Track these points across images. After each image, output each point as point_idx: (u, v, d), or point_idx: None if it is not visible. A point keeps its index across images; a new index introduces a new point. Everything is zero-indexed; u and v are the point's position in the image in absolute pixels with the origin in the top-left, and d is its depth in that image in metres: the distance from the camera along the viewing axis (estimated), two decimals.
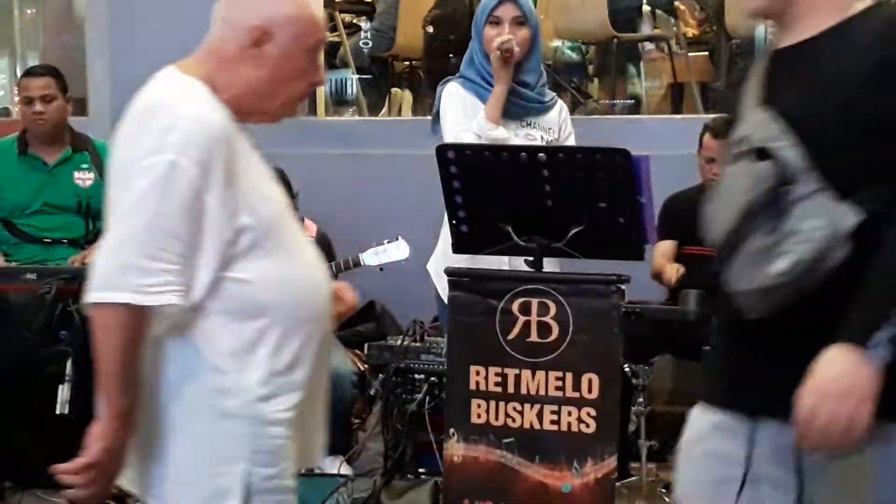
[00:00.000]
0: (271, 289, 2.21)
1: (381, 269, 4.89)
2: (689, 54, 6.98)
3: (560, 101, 4.19)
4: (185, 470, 2.25)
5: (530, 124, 4.02)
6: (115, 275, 2.14)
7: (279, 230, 2.26)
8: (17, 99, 5.56)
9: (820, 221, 1.86)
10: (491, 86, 3.94)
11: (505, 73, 3.92)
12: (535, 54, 4.04)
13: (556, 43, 7.23)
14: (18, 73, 8.66)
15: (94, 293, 2.17)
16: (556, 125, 4.03)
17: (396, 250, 4.84)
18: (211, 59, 2.32)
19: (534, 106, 4.05)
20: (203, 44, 2.37)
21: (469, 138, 3.82)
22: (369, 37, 7.25)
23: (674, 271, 4.89)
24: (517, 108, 3.99)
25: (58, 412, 4.32)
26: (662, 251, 5.09)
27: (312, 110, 5.90)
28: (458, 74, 4.13)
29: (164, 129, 2.17)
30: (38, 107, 4.78)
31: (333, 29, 6.80)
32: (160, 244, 2.12)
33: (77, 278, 4.41)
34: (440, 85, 4.12)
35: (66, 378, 4.35)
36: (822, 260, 1.88)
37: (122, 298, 2.13)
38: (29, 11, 9.09)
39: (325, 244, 5.15)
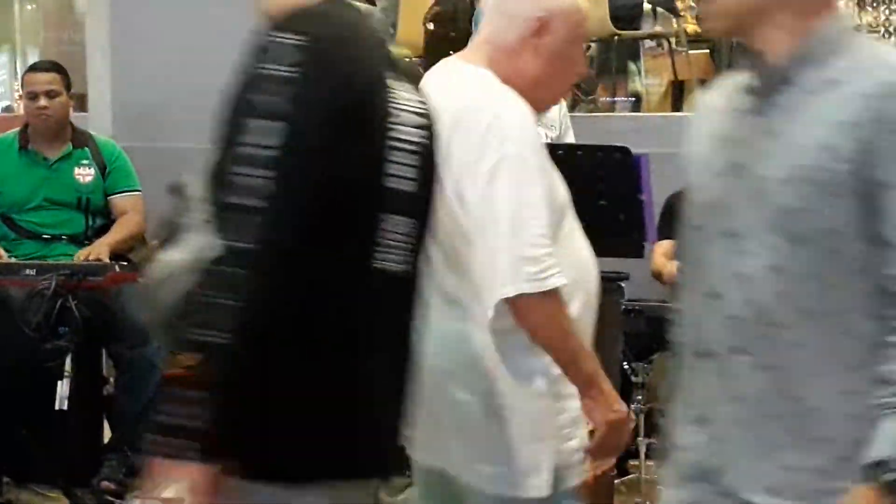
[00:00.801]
0: (571, 266, 2.30)
1: None
2: (690, 52, 6.98)
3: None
4: (502, 448, 2.29)
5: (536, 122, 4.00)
6: (528, 266, 2.20)
7: (566, 212, 2.39)
8: (17, 95, 5.55)
9: (185, 251, 1.77)
10: None
11: None
12: None
13: None
14: (18, 69, 8.67)
15: (526, 287, 2.19)
16: (558, 122, 4.02)
17: None
18: (489, 49, 2.38)
19: None
20: (478, 36, 2.44)
21: None
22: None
23: (674, 270, 4.88)
24: None
25: (56, 408, 4.32)
26: (663, 250, 5.09)
27: None
28: None
29: (503, 126, 2.25)
30: (43, 102, 4.77)
31: None
32: (540, 231, 2.22)
33: (76, 274, 4.41)
34: None
35: (66, 374, 4.35)
36: (164, 286, 1.78)
37: (552, 284, 2.20)
38: (29, 7, 9.10)
39: None
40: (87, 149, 4.89)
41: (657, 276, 5.02)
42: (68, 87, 4.88)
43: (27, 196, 4.76)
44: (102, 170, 4.88)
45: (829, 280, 1.73)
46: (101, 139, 5.03)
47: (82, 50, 6.31)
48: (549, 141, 3.92)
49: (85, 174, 4.86)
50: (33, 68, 4.91)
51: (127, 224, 4.85)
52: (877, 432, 1.68)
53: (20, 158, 4.82)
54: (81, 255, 4.61)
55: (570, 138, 4.07)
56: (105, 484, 4.60)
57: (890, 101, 1.71)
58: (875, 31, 6.17)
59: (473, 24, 4.11)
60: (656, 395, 5.14)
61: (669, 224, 5.04)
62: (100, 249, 4.64)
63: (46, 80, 4.81)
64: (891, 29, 6.20)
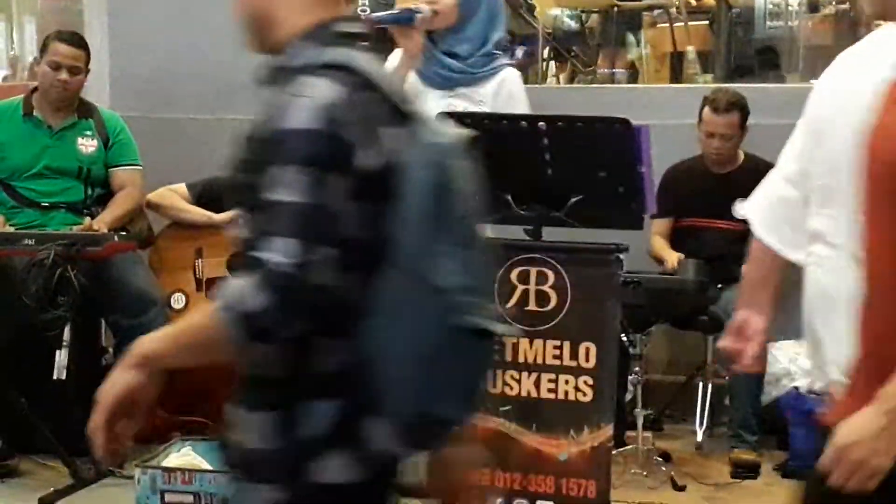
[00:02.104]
0: None
1: None
2: (690, 23, 6.95)
3: (505, 72, 3.87)
4: None
5: (458, 94, 3.85)
6: None
7: None
8: (32, 59, 5.46)
9: None
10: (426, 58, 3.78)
11: (406, 40, 3.72)
12: (467, 24, 3.81)
13: (556, 11, 7.20)
14: (14, 38, 8.62)
15: None
16: (490, 96, 3.84)
17: None
18: None
19: (461, 77, 3.84)
20: None
21: None
22: (367, 3, 7.19)
23: (675, 260, 4.90)
24: (440, 77, 3.83)
25: (55, 377, 4.33)
26: (659, 230, 5.09)
27: None
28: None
29: None
30: (64, 76, 4.75)
31: None
32: None
33: (75, 244, 4.41)
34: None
35: (64, 343, 4.35)
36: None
37: None
38: None
39: None
40: (91, 120, 4.89)
41: (657, 259, 5.03)
42: (87, 63, 4.86)
43: (29, 163, 4.76)
44: (105, 142, 4.88)
45: None
46: (107, 112, 5.02)
47: (79, 19, 6.28)
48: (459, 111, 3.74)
49: (88, 145, 4.85)
50: (63, 39, 4.80)
51: (125, 200, 4.86)
52: None
53: (24, 124, 4.81)
54: (87, 227, 4.62)
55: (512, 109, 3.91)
56: None
57: None
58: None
59: None
60: (653, 366, 5.17)
61: (666, 199, 5.07)
62: (98, 228, 4.64)
63: (73, 55, 4.77)
64: None
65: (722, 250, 5.01)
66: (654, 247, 5.04)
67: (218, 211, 5.09)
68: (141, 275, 4.79)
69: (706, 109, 5.01)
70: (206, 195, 5.11)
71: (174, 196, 5.11)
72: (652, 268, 5.02)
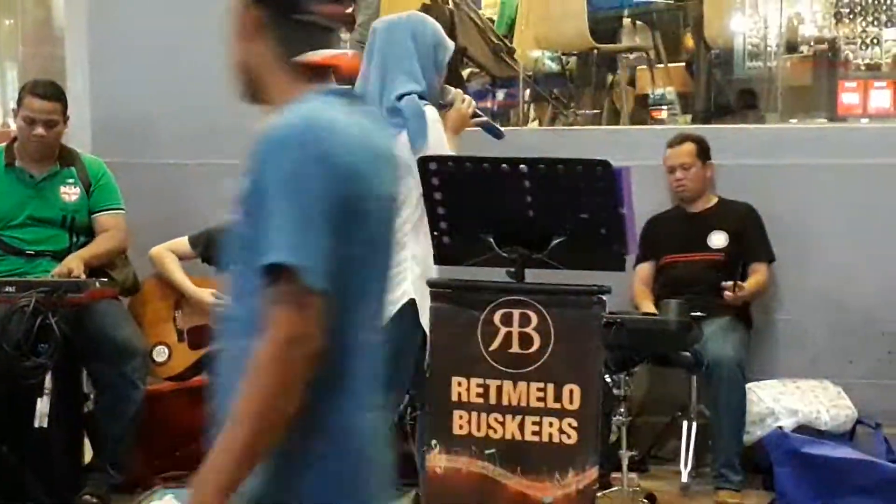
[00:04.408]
0: None
1: None
2: (669, 65, 7.01)
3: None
4: None
5: None
6: None
7: None
8: (12, 108, 5.43)
9: None
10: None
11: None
12: None
13: (537, 53, 7.24)
14: None
15: None
16: None
17: None
18: None
19: None
20: None
21: None
22: (349, 48, 7.22)
23: (652, 308, 5.01)
24: None
25: (36, 425, 4.29)
26: (642, 277, 5.21)
27: None
28: (418, 94, 3.82)
29: None
30: (40, 130, 4.71)
31: None
32: None
33: (56, 291, 4.39)
34: (410, 103, 3.79)
35: (45, 391, 4.32)
36: None
37: None
38: (7, 22, 9.05)
39: None
40: (73, 168, 4.86)
41: (636, 307, 5.10)
42: (65, 113, 4.83)
43: (12, 213, 4.74)
44: (87, 188, 4.85)
45: None
46: (88, 157, 5.00)
47: (61, 65, 6.28)
48: None
49: (70, 193, 4.83)
50: (37, 94, 4.74)
51: (106, 240, 4.83)
52: None
53: (6, 175, 4.79)
54: (56, 272, 4.58)
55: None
56: (87, 498, 4.58)
57: None
58: (852, 43, 6.20)
59: (428, 50, 3.96)
60: (637, 407, 5.16)
61: (648, 246, 5.13)
62: (73, 262, 4.61)
63: (48, 109, 4.73)
64: (867, 41, 6.23)
65: (698, 278, 5.07)
66: (636, 294, 5.14)
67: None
68: (124, 324, 4.77)
69: (666, 150, 5.21)
70: (210, 247, 5.10)
71: (166, 259, 5.10)
72: (635, 309, 5.04)
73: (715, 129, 5.71)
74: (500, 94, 6.81)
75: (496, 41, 6.79)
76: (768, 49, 6.63)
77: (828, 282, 5.38)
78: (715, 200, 5.26)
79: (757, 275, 5.14)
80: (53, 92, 4.80)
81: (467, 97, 3.98)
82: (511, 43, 6.96)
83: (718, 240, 5.14)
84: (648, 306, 5.04)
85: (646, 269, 5.24)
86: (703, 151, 5.19)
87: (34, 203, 4.76)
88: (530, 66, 7.07)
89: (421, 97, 3.77)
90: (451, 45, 4.00)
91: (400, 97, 3.74)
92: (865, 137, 5.49)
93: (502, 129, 4.15)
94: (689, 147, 5.19)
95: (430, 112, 3.76)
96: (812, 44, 6.52)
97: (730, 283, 4.91)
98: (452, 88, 4.03)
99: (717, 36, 6.79)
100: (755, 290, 5.11)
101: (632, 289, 5.13)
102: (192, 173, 5.80)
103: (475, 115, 3.94)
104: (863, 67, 6.09)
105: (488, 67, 6.88)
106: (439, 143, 3.74)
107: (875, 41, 6.17)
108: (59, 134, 4.83)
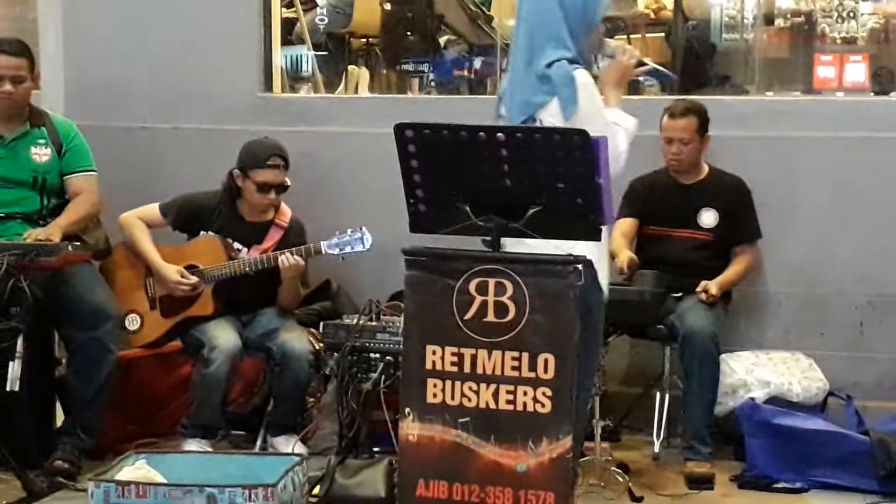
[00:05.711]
0: None
1: (342, 259, 4.91)
2: (647, 35, 6.99)
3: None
4: None
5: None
6: None
7: None
8: None
9: None
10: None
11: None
12: None
13: (515, 22, 7.20)
14: None
15: None
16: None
17: (360, 243, 4.84)
18: None
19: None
20: None
21: (623, 138, 3.75)
22: (325, 13, 7.18)
23: (625, 259, 4.92)
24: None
25: (8, 389, 4.27)
26: (622, 229, 5.15)
27: (269, 86, 5.84)
28: (569, 60, 3.71)
29: None
30: (8, 87, 4.67)
31: (290, 5, 6.73)
32: None
33: (28, 254, 4.35)
34: (559, 69, 3.68)
35: (17, 355, 4.29)
36: None
37: None
38: None
39: (298, 230, 5.11)
40: (43, 128, 4.82)
41: (612, 255, 5.04)
42: (33, 69, 4.79)
43: None
44: (59, 149, 4.82)
45: None
46: (59, 119, 4.96)
47: (34, 26, 6.21)
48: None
49: (41, 153, 4.79)
50: (2, 49, 4.70)
51: (81, 205, 4.79)
52: None
53: None
54: (32, 236, 4.54)
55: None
56: (58, 463, 4.57)
57: None
58: (829, 17, 6.20)
59: (576, 12, 3.87)
60: (612, 377, 5.17)
61: (632, 203, 5.12)
62: (52, 230, 4.59)
63: (14, 65, 4.69)
64: (844, 14, 6.23)
65: (684, 258, 5.06)
66: (613, 244, 5.03)
67: (195, 232, 5.05)
68: (96, 288, 4.74)
69: (664, 116, 5.09)
70: (181, 216, 5.07)
71: (136, 228, 5.06)
72: (610, 279, 5.03)
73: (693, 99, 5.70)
74: (477, 62, 6.77)
75: (474, 8, 6.76)
76: (745, 21, 6.62)
77: (801, 254, 5.40)
78: (706, 171, 5.19)
79: (739, 261, 5.14)
80: (19, 48, 4.77)
81: (629, 48, 3.91)
82: (489, 10, 6.93)
83: (708, 218, 5.09)
84: (622, 254, 4.95)
85: (627, 223, 5.16)
86: (703, 125, 5.09)
87: (4, 164, 4.72)
88: (508, 34, 7.02)
89: (572, 61, 3.72)
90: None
91: (549, 65, 3.72)
92: (841, 110, 5.50)
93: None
94: (690, 122, 5.06)
95: (581, 76, 3.69)
96: (789, 16, 6.52)
97: (702, 292, 4.91)
98: (612, 41, 3.98)
99: (694, 6, 6.78)
100: (734, 280, 5.11)
101: (610, 240, 5.04)
102: (165, 137, 5.76)
103: (640, 64, 3.90)
104: (839, 41, 6.09)
105: (465, 35, 6.85)
106: (592, 108, 3.69)
107: (852, 14, 6.17)
108: (28, 91, 4.78)
